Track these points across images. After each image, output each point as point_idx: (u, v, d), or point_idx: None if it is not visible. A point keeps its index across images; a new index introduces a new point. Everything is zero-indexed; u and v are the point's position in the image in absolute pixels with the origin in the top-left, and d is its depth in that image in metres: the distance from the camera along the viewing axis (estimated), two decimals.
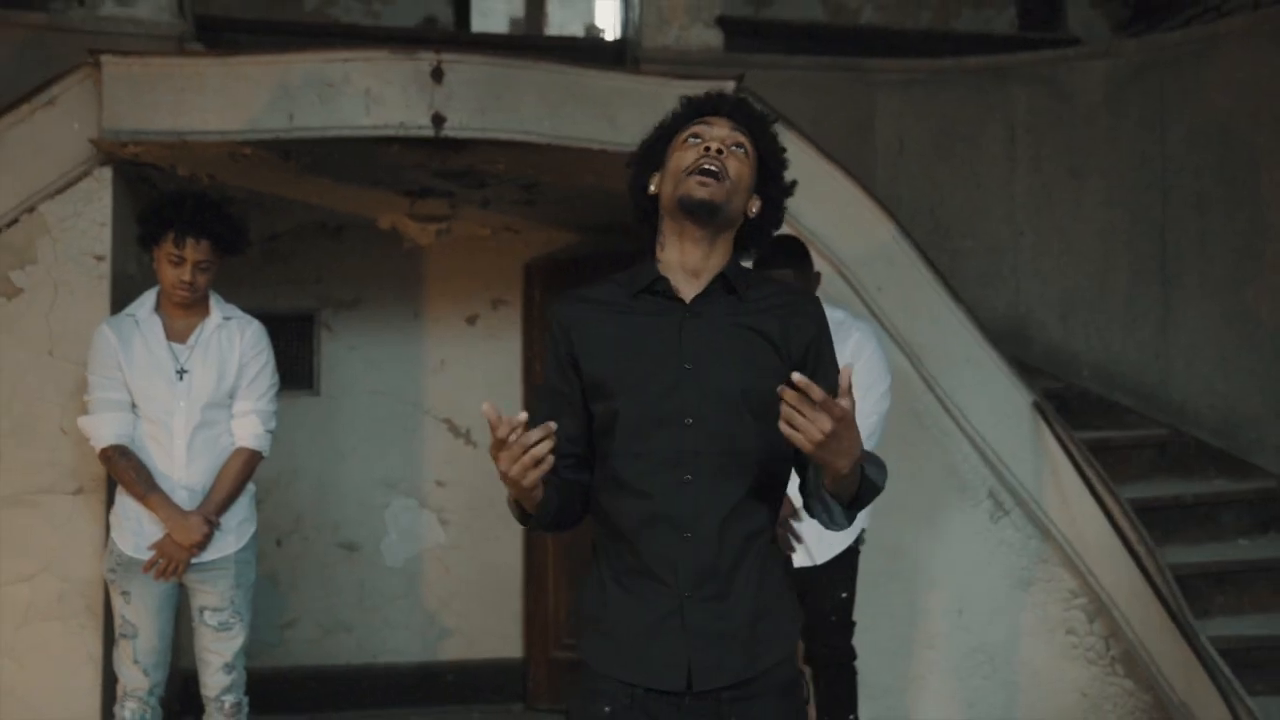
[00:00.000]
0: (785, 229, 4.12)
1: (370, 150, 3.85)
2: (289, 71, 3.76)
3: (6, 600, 3.76)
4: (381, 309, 5.43)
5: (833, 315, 3.75)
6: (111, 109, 3.74)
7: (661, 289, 1.92)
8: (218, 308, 3.49)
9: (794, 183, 2.05)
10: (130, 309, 3.46)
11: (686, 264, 1.92)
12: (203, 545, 3.33)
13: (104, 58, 3.74)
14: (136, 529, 3.35)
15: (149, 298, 3.47)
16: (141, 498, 3.32)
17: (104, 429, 3.34)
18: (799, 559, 3.58)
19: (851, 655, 3.84)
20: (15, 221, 3.80)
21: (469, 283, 5.48)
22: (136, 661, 3.36)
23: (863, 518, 3.77)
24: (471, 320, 5.50)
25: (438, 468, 5.45)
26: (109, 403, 3.36)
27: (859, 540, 3.81)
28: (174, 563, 3.31)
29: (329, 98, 3.74)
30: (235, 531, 3.44)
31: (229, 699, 3.45)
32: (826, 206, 4.37)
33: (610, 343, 1.92)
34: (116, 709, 3.40)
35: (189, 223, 3.33)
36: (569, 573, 5.32)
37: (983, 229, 5.72)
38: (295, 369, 5.28)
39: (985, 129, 5.71)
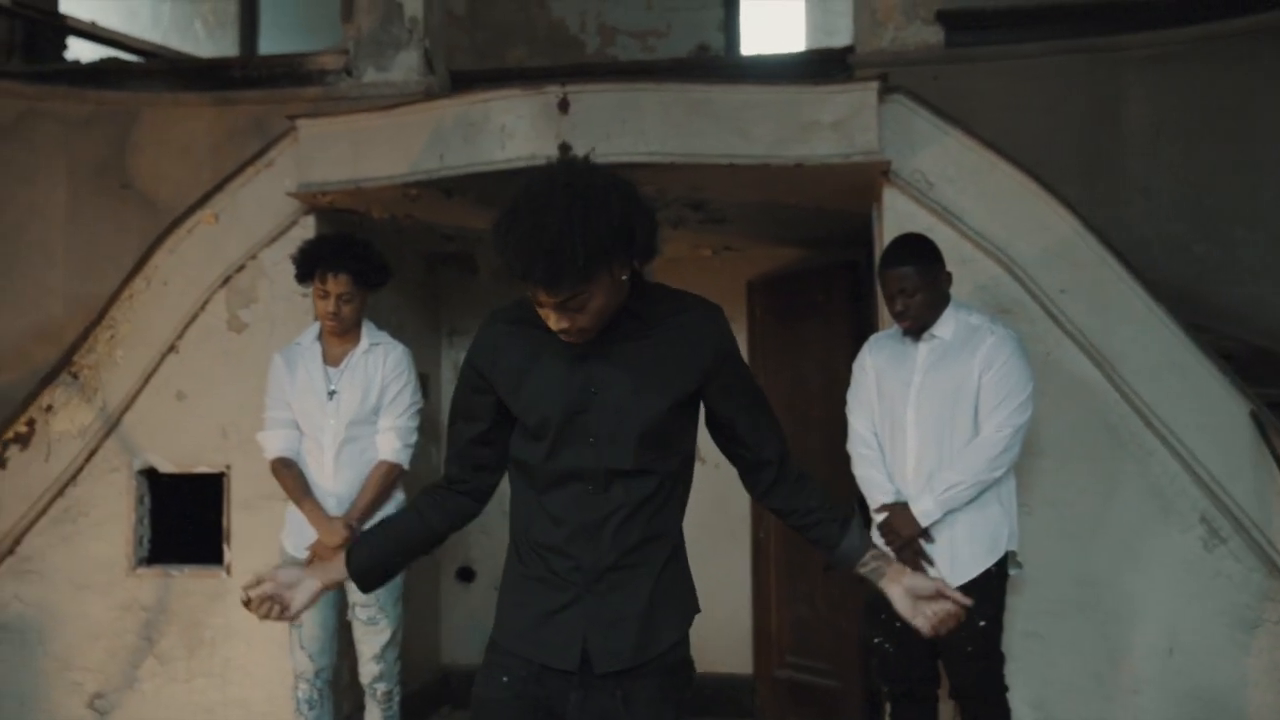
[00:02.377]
0: (929, 230, 3.91)
1: (510, 182, 4.11)
2: (442, 116, 4.12)
3: (236, 591, 4.40)
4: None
5: (968, 320, 3.51)
6: (306, 165, 4.30)
7: None
8: (368, 335, 3.90)
9: (640, 228, 1.95)
10: (300, 337, 3.97)
11: None
12: (346, 546, 3.73)
13: (299, 121, 4.31)
14: (298, 531, 3.82)
15: (315, 327, 3.95)
16: (298, 503, 3.79)
17: (272, 443, 3.85)
18: None
19: (998, 689, 3.53)
20: (242, 268, 4.47)
21: None
22: (303, 648, 3.83)
23: (1009, 539, 3.47)
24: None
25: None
26: (277, 420, 3.87)
27: (1006, 563, 3.50)
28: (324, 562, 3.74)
29: (472, 136, 4.06)
30: None
31: (380, 687, 3.83)
32: (995, 205, 4.05)
33: (529, 367, 2.03)
34: (293, 689, 3.89)
35: (328, 261, 3.77)
36: (792, 591, 5.26)
37: (1261, 216, 4.95)
38: None
39: (1261, 100, 4.95)
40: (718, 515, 5.48)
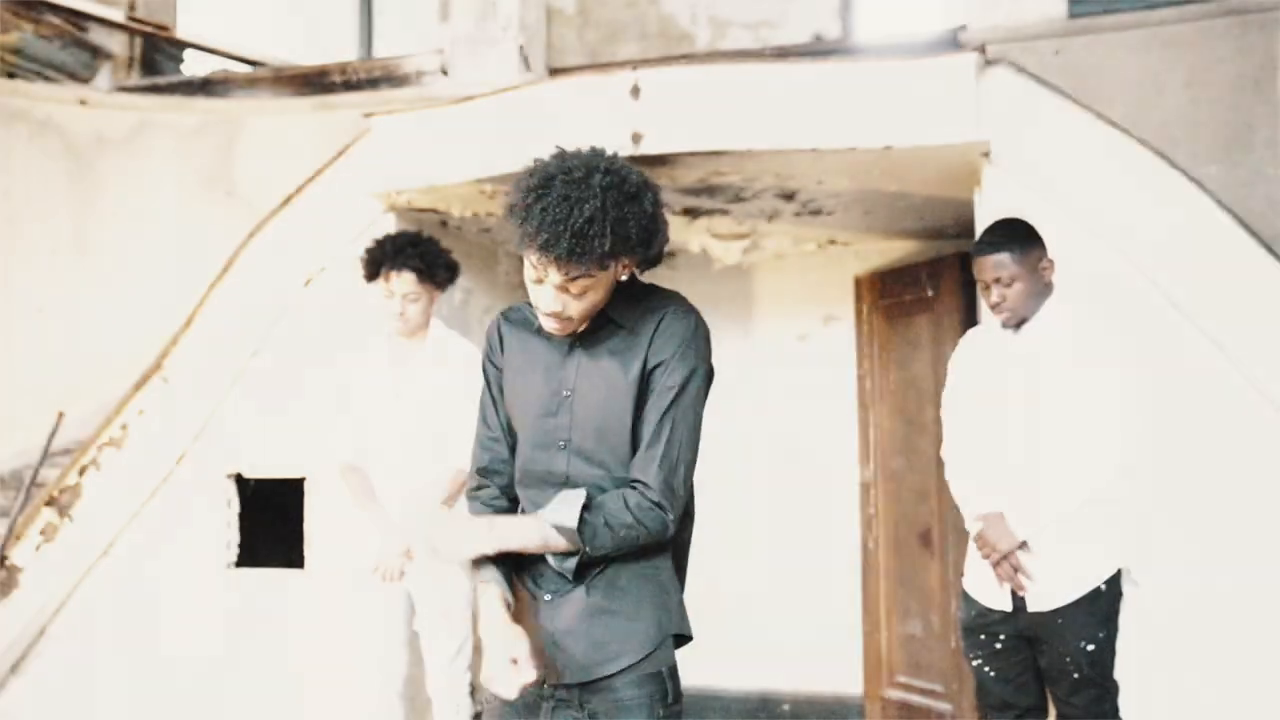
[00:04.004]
0: (1036, 216, 3.56)
1: None
2: (515, 106, 3.97)
3: (312, 600, 4.35)
4: (716, 331, 5.42)
5: (1073, 313, 3.15)
6: (382, 164, 4.22)
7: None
8: (435, 334, 3.78)
9: (659, 233, 1.94)
10: (369, 338, 3.87)
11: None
12: (410, 555, 3.61)
13: (374, 119, 4.23)
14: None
15: (384, 328, 3.85)
16: (361, 510, 3.68)
17: (339, 447, 3.76)
18: (1034, 601, 3.06)
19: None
20: (323, 270, 4.42)
21: (800, 300, 5.33)
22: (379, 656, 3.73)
23: (1121, 555, 3.10)
24: (803, 338, 5.33)
25: (769, 493, 5.33)
26: (343, 424, 3.77)
27: (1117, 581, 3.12)
28: (389, 570, 3.63)
29: (542, 128, 3.89)
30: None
31: (447, 699, 3.69)
32: (1111, 187, 3.66)
33: (518, 366, 2.07)
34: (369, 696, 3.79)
35: (391, 259, 3.66)
36: (904, 605, 4.93)
37: None
38: None
39: None
40: (819, 519, 5.19)
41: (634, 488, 1.96)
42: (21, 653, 4.24)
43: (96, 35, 6.16)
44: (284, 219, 4.47)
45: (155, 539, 4.49)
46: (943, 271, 4.69)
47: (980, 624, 3.21)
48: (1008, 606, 3.09)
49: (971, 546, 3.21)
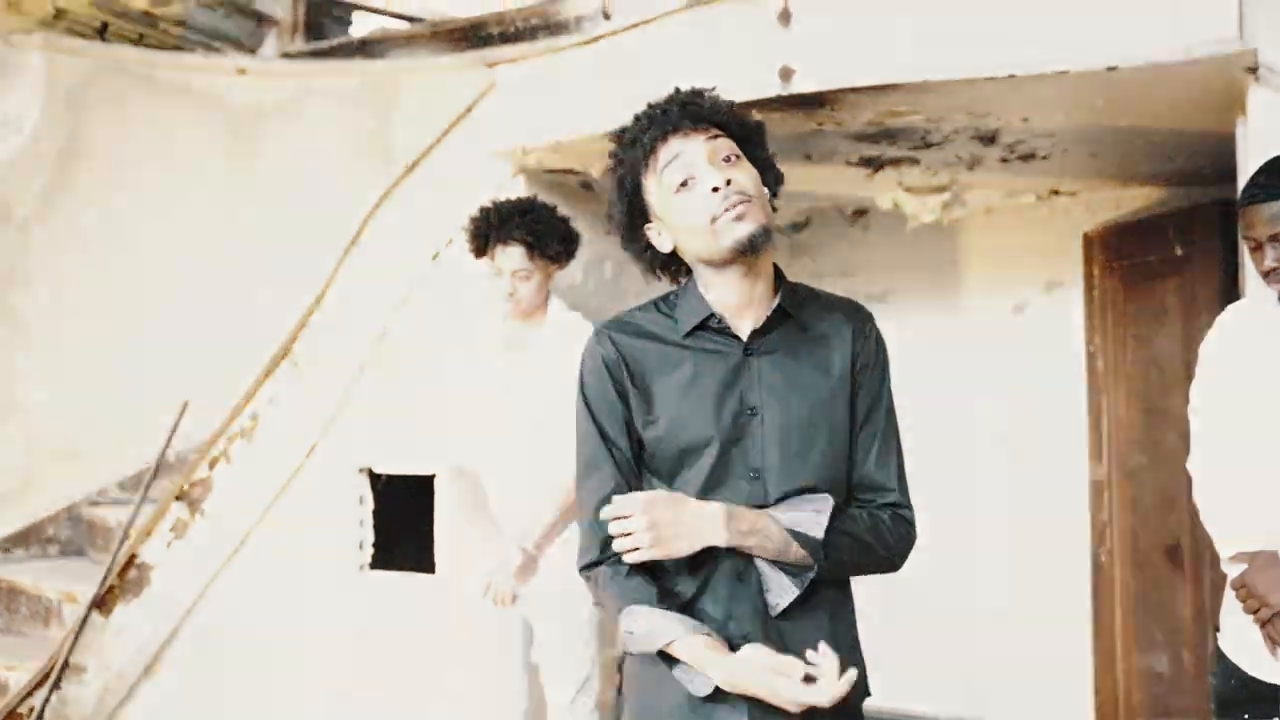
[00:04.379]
0: None
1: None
2: (643, 43, 3.36)
3: (443, 610, 3.92)
4: (915, 300, 4.68)
5: None
6: (506, 119, 3.70)
7: (717, 325, 1.75)
8: (554, 315, 3.23)
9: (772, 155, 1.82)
10: (482, 321, 3.37)
11: (735, 301, 1.74)
12: (522, 576, 3.10)
13: (498, 67, 3.71)
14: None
15: (499, 310, 3.33)
16: (469, 522, 3.21)
17: (451, 447, 3.29)
18: None
19: None
20: (450, 242, 3.95)
21: (1016, 263, 4.47)
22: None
23: None
24: (1019, 308, 4.48)
25: (979, 493, 4.53)
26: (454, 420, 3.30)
27: None
28: (501, 593, 3.14)
29: (678, 66, 3.26)
30: (563, 566, 3.15)
31: None
32: None
33: (669, 387, 1.75)
34: None
35: (497, 230, 3.14)
36: (1146, 636, 4.05)
37: None
38: None
39: None
40: (1040, 526, 4.36)
41: (868, 503, 1.77)
42: (154, 654, 4.03)
43: (261, 2, 5.94)
44: (410, 185, 4.03)
45: (287, 537, 4.18)
46: (1196, 225, 3.75)
47: (1241, 697, 2.40)
48: None
49: (1230, 594, 2.41)
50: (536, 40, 5.12)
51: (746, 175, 1.69)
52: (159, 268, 5.36)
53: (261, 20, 5.88)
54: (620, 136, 1.76)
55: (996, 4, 2.89)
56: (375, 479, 4.15)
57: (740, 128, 1.73)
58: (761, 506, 1.68)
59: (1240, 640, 2.39)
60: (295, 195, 5.50)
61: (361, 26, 6.32)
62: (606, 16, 5.00)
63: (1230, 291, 3.59)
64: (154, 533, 4.11)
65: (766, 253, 1.71)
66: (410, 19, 6.03)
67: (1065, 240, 4.35)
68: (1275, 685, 2.31)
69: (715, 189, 1.64)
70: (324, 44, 5.83)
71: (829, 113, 3.15)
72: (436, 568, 3.99)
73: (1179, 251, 3.84)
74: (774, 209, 1.76)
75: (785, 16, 3.07)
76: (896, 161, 3.76)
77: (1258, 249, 2.36)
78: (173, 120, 5.43)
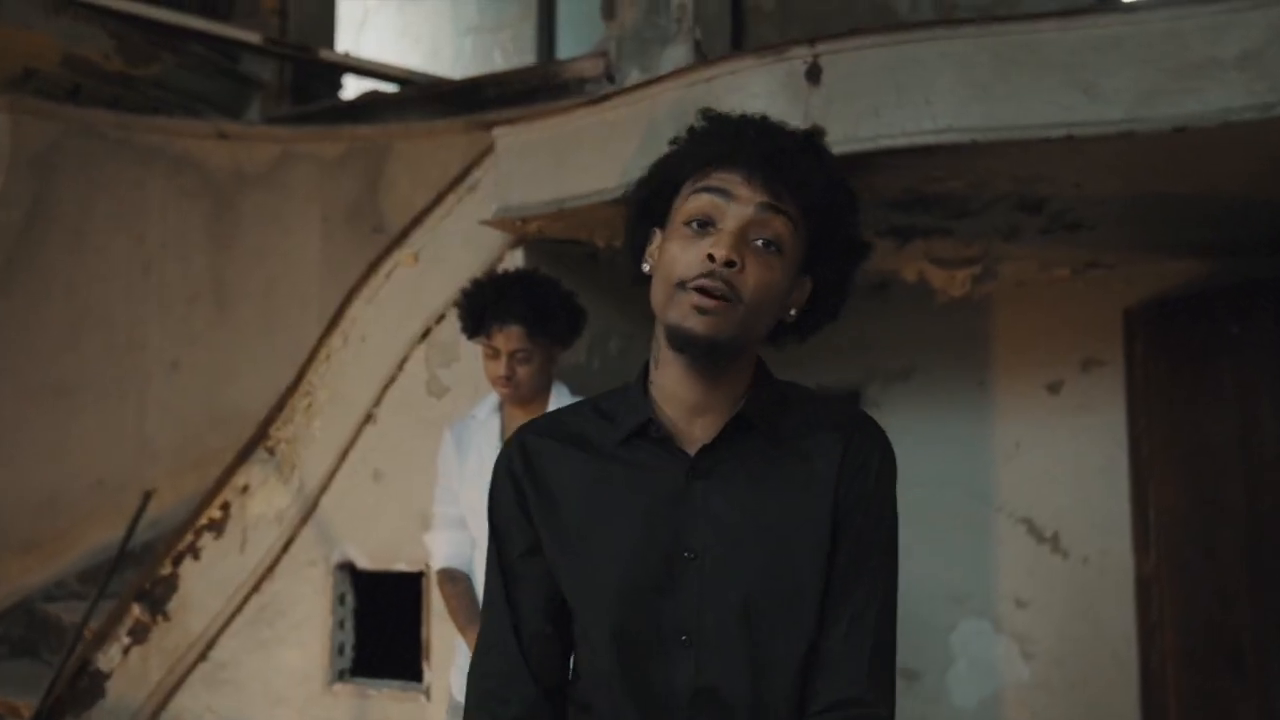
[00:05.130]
0: None
1: None
2: (655, 106, 3.07)
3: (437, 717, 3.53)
4: (940, 379, 4.36)
5: None
6: (504, 184, 3.39)
7: (656, 433, 1.36)
8: (556, 404, 2.89)
9: (865, 246, 1.41)
10: (476, 408, 3.04)
11: (686, 398, 1.36)
12: None
13: (496, 130, 3.42)
14: (465, 665, 2.86)
15: (495, 395, 3.00)
16: (461, 631, 2.84)
17: (437, 549, 2.94)
18: None
19: None
20: (443, 318, 3.63)
21: (1050, 340, 4.16)
22: None
23: None
24: (1054, 388, 4.16)
25: (1017, 582, 4.18)
26: (444, 519, 2.95)
27: None
28: None
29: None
30: None
31: None
32: None
33: (583, 512, 1.37)
34: None
35: (494, 308, 2.81)
36: None
37: None
38: None
39: None
40: (1086, 628, 4.01)
41: (837, 707, 1.29)
42: None
43: (246, 64, 5.68)
44: (397, 257, 3.71)
45: (258, 642, 3.80)
46: (1257, 300, 3.45)
47: None
48: None
49: None
50: (535, 102, 4.87)
51: (764, 279, 1.28)
52: (128, 342, 5.04)
53: (245, 82, 5.62)
54: (701, 125, 1.39)
55: (1051, 57, 2.61)
56: (357, 576, 3.79)
57: (821, 222, 1.33)
58: (697, 687, 1.29)
59: None
60: (278, 266, 5.21)
61: (351, 90, 6.07)
62: (610, 79, 4.76)
63: None
64: (110, 636, 3.73)
65: (737, 361, 1.35)
66: (403, 80, 5.77)
67: (1103, 315, 4.04)
68: None
69: (710, 257, 1.26)
70: (311, 107, 5.57)
71: (865, 176, 2.85)
72: (424, 676, 3.60)
73: (1234, 330, 3.53)
74: (791, 315, 1.37)
75: (815, 73, 2.78)
76: (928, 232, 3.46)
77: None
78: (148, 186, 5.14)
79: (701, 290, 1.25)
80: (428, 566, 3.56)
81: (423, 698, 3.58)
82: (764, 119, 1.36)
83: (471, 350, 3.48)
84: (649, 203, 1.39)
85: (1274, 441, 3.39)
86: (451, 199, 3.65)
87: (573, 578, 1.35)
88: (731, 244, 1.26)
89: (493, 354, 2.83)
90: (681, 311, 1.27)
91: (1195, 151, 2.63)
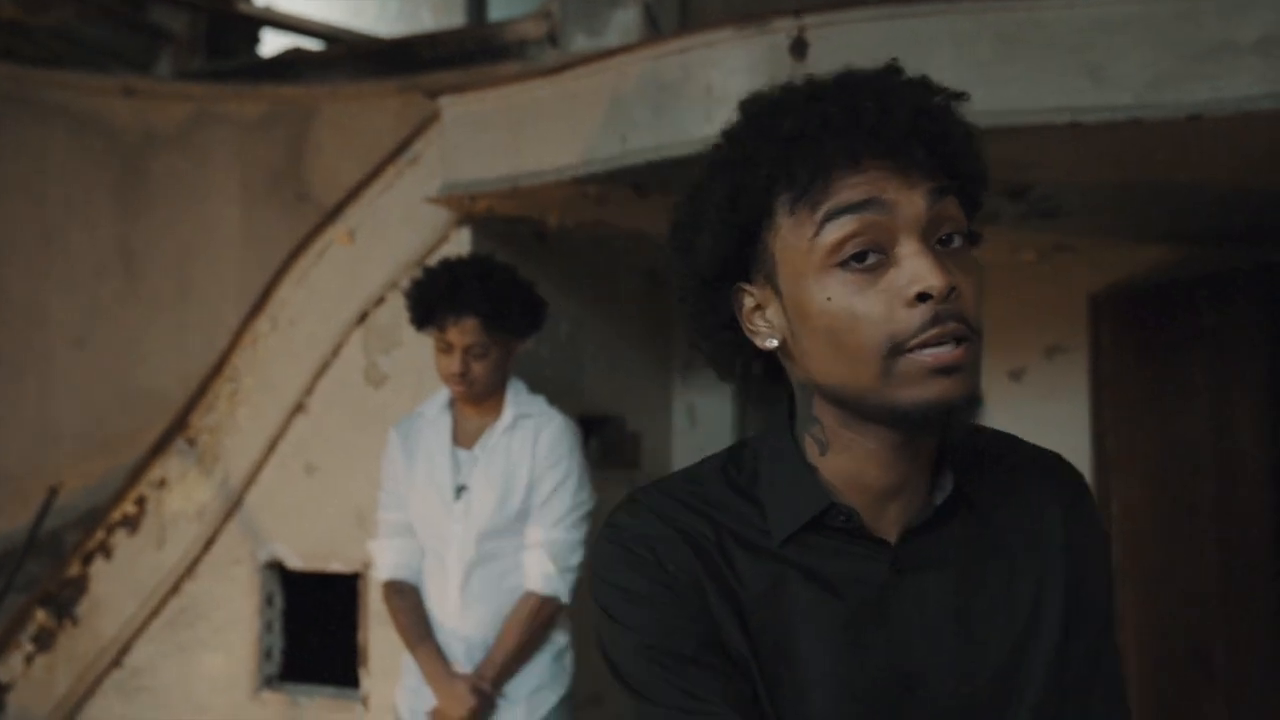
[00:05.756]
0: None
1: None
2: (621, 78, 2.83)
3: None
4: None
5: None
6: (451, 158, 3.13)
7: (843, 522, 0.98)
8: (513, 403, 2.66)
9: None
10: (424, 405, 2.78)
11: (879, 483, 0.98)
12: (475, 719, 2.52)
13: (443, 99, 3.14)
14: (414, 687, 2.64)
15: (445, 391, 2.75)
16: (410, 649, 2.61)
17: (383, 558, 2.70)
18: None
19: None
20: (382, 301, 3.36)
21: (1013, 326, 4.03)
22: None
23: None
24: (1016, 375, 4.04)
25: None
26: (390, 525, 2.70)
27: None
28: None
29: (663, 105, 2.74)
30: (526, 702, 2.58)
31: None
32: None
33: (747, 630, 0.98)
34: None
35: (448, 299, 2.56)
36: None
37: None
38: None
39: None
40: None
41: None
42: None
43: (155, 15, 5.26)
44: (332, 234, 3.43)
45: (177, 646, 3.52)
46: (1234, 290, 3.34)
47: None
48: None
49: None
50: (474, 65, 4.58)
51: (974, 285, 0.92)
52: (28, 317, 4.66)
53: (155, 35, 5.21)
54: (754, 119, 0.96)
55: (1056, 37, 2.43)
56: (287, 576, 3.52)
57: (978, 182, 0.98)
58: None
59: None
60: (193, 236, 4.86)
61: (271, 46, 5.68)
62: (554, 42, 4.49)
63: (1277, 370, 3.20)
64: (10, 644, 3.41)
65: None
66: (327, 37, 5.41)
67: (1069, 301, 3.92)
68: None
69: (924, 296, 0.89)
70: (227, 64, 5.19)
71: None
72: (361, 684, 3.36)
73: (1209, 320, 3.43)
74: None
75: (800, 48, 2.56)
76: None
77: None
78: (48, 147, 4.74)
79: (940, 341, 0.89)
80: (365, 567, 3.32)
81: (359, 707, 3.34)
82: (850, 72, 0.96)
83: (415, 336, 3.22)
84: (718, 256, 0.97)
85: (1249, 439, 3.31)
86: (391, 172, 3.37)
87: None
88: (938, 265, 0.89)
89: (445, 348, 2.59)
90: (917, 384, 0.90)
91: (1205, 141, 2.48)
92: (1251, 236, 3.32)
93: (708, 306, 1.00)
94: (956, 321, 0.89)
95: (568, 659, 2.67)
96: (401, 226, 3.36)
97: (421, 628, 2.61)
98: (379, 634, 3.30)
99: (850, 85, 0.93)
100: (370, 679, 3.33)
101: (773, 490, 0.99)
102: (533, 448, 2.61)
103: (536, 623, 2.56)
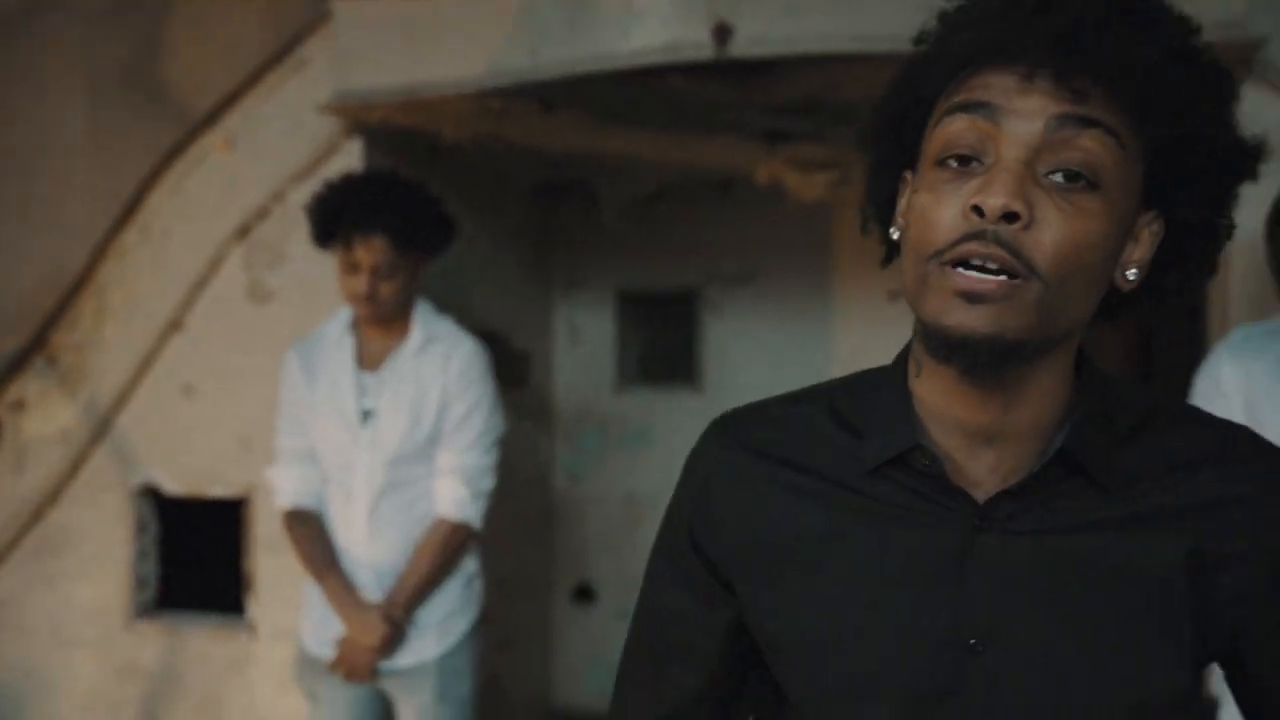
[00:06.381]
0: None
1: (643, 86, 2.69)
2: None
3: (264, 659, 3.21)
4: (782, 284, 4.26)
5: None
6: (344, 64, 2.96)
7: (925, 467, 0.91)
8: (422, 325, 2.57)
9: (1256, 149, 0.87)
10: (326, 325, 2.66)
11: (966, 421, 0.90)
12: (387, 648, 2.47)
13: (334, 1, 2.96)
14: (320, 618, 2.56)
15: (348, 311, 2.63)
16: (317, 578, 2.53)
17: (284, 485, 2.59)
18: None
19: None
20: (266, 213, 3.18)
21: None
22: None
23: None
24: (895, 295, 4.14)
25: None
26: (290, 452, 2.60)
27: None
28: (356, 667, 2.49)
29: (579, 18, 2.64)
30: (437, 630, 2.54)
31: None
32: None
33: (808, 576, 0.93)
34: None
35: (355, 215, 2.44)
36: None
37: None
38: (674, 360, 4.35)
39: None
40: None
41: None
42: None
43: None
44: (208, 141, 3.22)
45: (42, 577, 3.33)
46: None
47: None
48: None
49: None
50: None
51: (1071, 235, 0.82)
52: None
53: None
54: (944, 11, 0.90)
55: None
56: (163, 503, 3.36)
57: (1174, 125, 0.84)
58: None
59: None
60: (33, 134, 4.48)
61: None
62: None
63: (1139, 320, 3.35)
64: None
65: (1044, 361, 0.88)
66: None
67: None
68: None
69: (976, 209, 0.82)
70: None
71: (762, 83, 2.62)
72: (247, 611, 3.25)
73: None
74: (1130, 275, 0.88)
75: None
76: (800, 137, 3.29)
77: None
78: None
79: (968, 264, 0.82)
80: (252, 492, 3.20)
81: (245, 634, 3.24)
82: None
83: (304, 252, 3.09)
84: (894, 135, 0.93)
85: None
86: (273, 77, 3.18)
87: (799, 661, 0.95)
88: (1011, 185, 0.81)
89: (351, 268, 2.48)
90: (940, 301, 0.83)
91: None
92: None
93: (878, 187, 0.96)
94: (1003, 248, 0.80)
95: (477, 585, 2.65)
96: (286, 135, 3.18)
97: (327, 556, 2.53)
98: (267, 560, 3.20)
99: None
100: (258, 606, 3.23)
101: (871, 419, 0.94)
102: (444, 371, 2.54)
103: (449, 549, 2.52)
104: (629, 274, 4.34)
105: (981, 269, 0.81)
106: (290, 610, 3.16)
